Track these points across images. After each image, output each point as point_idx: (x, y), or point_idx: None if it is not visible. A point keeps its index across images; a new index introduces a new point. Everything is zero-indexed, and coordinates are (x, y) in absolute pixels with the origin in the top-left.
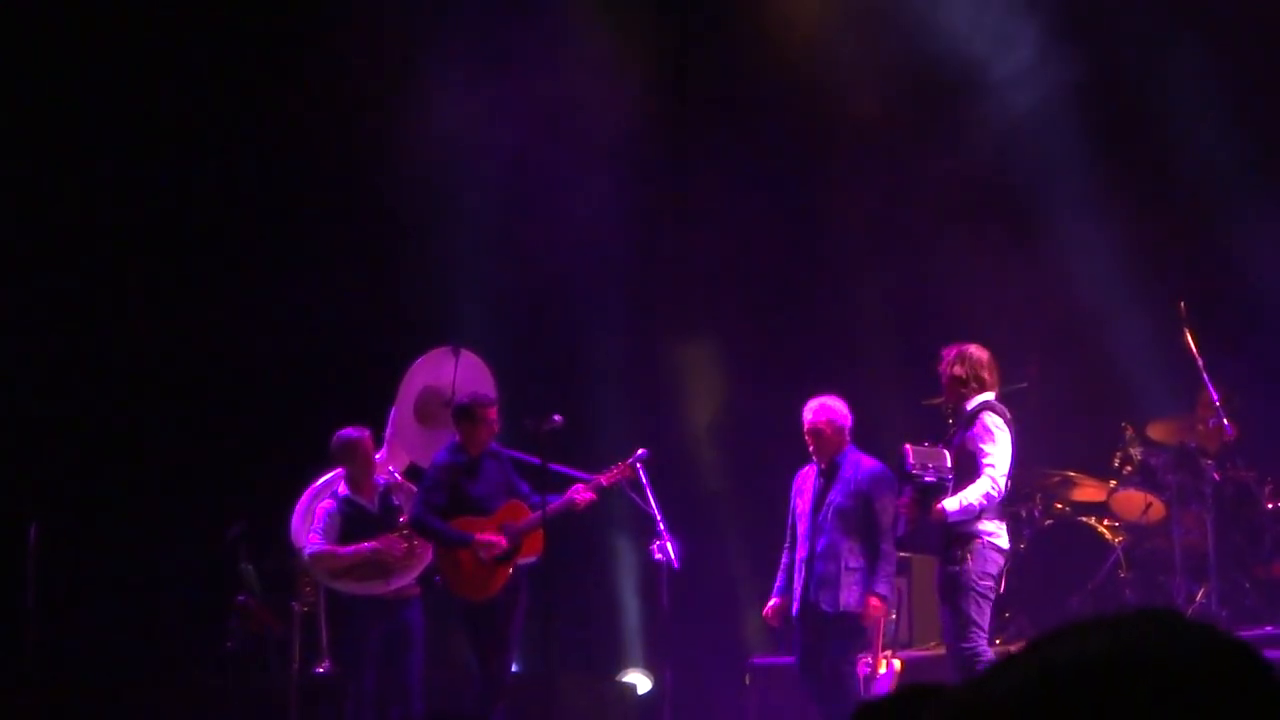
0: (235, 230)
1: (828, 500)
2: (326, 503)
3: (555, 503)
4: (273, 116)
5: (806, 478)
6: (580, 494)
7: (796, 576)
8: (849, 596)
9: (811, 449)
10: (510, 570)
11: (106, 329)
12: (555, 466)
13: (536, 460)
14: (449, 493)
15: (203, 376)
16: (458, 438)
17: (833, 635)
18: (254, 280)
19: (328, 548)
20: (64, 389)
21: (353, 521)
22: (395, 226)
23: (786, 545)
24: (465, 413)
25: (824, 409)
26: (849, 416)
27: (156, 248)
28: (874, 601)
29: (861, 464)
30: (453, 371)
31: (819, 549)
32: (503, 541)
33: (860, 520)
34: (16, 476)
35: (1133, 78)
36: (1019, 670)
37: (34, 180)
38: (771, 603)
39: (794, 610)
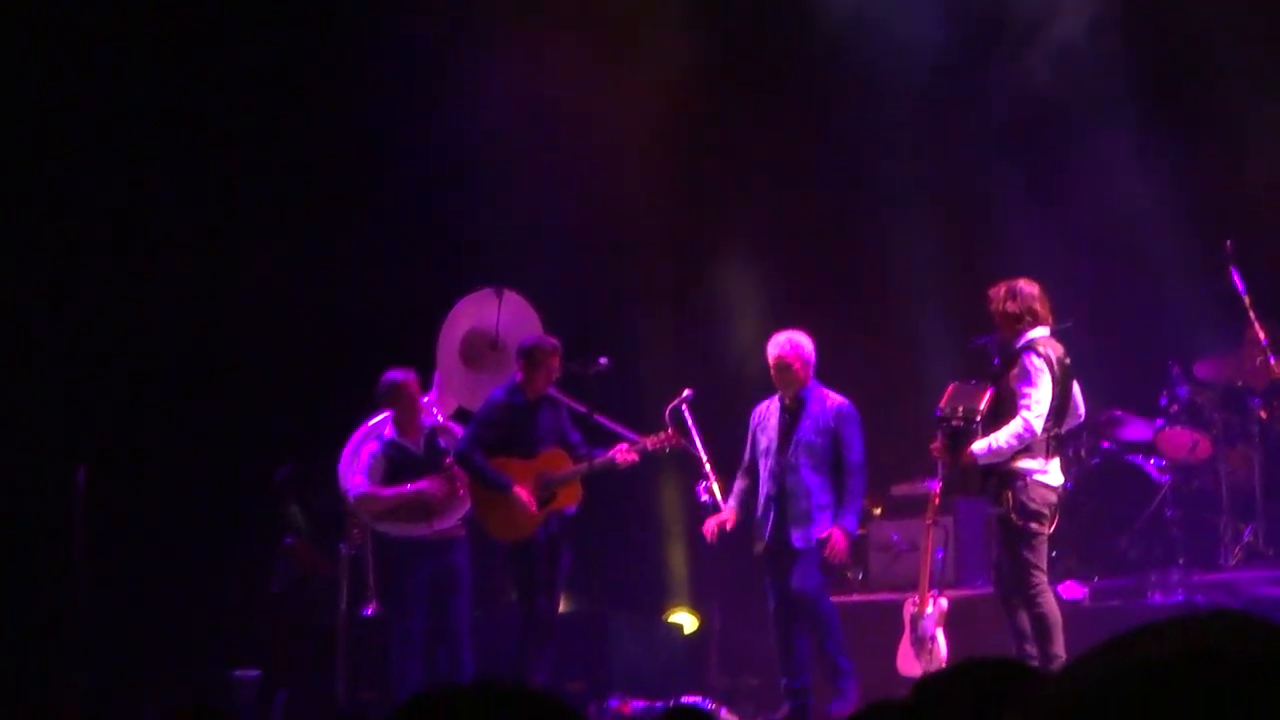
0: (283, 174)
1: (795, 437)
2: (372, 445)
3: (598, 459)
4: (323, 61)
5: (769, 413)
6: (623, 454)
7: (766, 514)
8: (820, 531)
9: (778, 383)
10: (544, 517)
11: (155, 271)
12: (610, 424)
13: (613, 424)
14: (498, 431)
15: (252, 318)
16: (517, 377)
17: (801, 564)
18: (302, 222)
19: (371, 489)
20: (112, 332)
21: (397, 464)
22: (440, 167)
23: (742, 471)
24: (528, 355)
25: (790, 342)
26: (814, 351)
27: (207, 190)
28: (838, 534)
29: (828, 400)
30: (496, 313)
31: (789, 487)
32: (534, 507)
33: (830, 456)
34: (65, 420)
35: (1183, 8)
36: (1096, 671)
37: (91, 123)
38: (716, 519)
39: (761, 548)
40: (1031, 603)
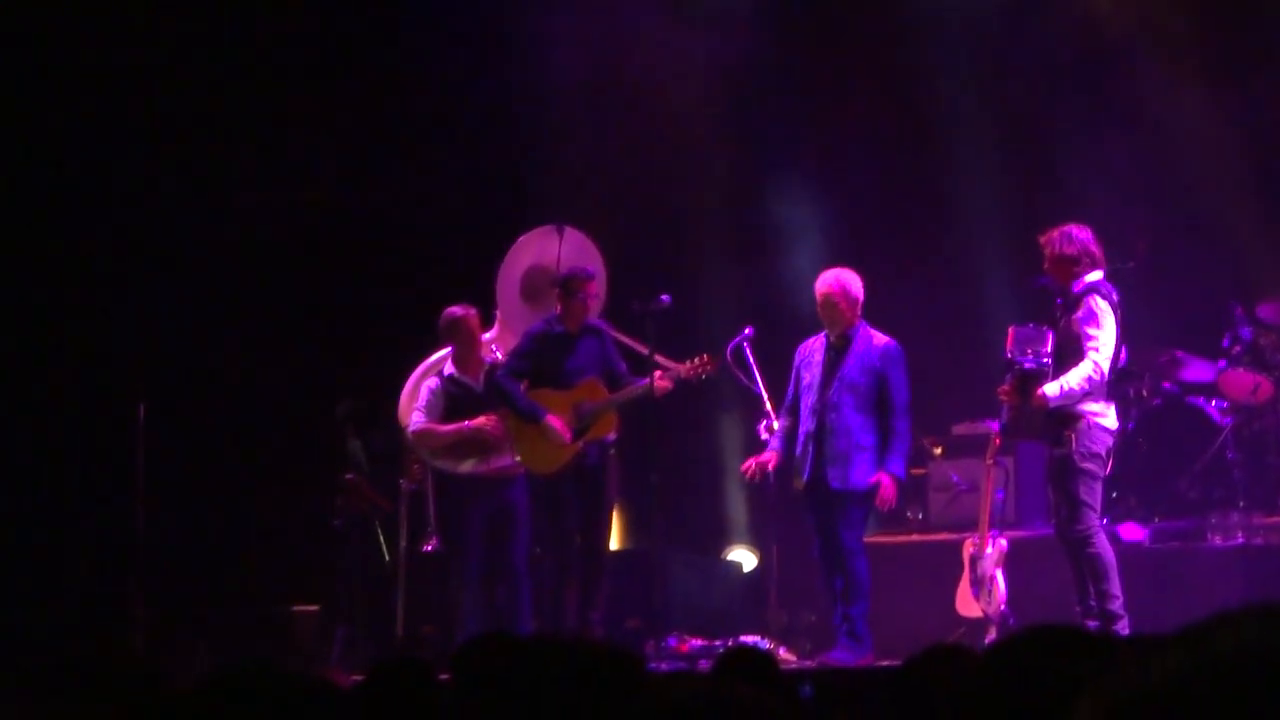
0: (347, 113)
1: (839, 375)
2: (432, 380)
3: (630, 388)
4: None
5: (814, 350)
6: (658, 380)
7: (805, 451)
8: (858, 474)
9: (824, 320)
10: (579, 449)
11: (214, 206)
12: (645, 352)
13: (642, 349)
14: (536, 362)
15: (312, 253)
16: (557, 308)
17: (838, 510)
18: (365, 157)
19: (429, 425)
20: (168, 267)
21: (456, 400)
22: (502, 107)
23: (786, 410)
24: (564, 284)
25: (838, 279)
26: (862, 289)
27: (274, 127)
28: (886, 479)
29: (874, 339)
30: (557, 249)
31: (830, 425)
32: (568, 435)
33: (873, 397)
34: (125, 357)
35: None
36: (1179, 661)
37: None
38: (756, 459)
39: (802, 484)
40: (1085, 543)
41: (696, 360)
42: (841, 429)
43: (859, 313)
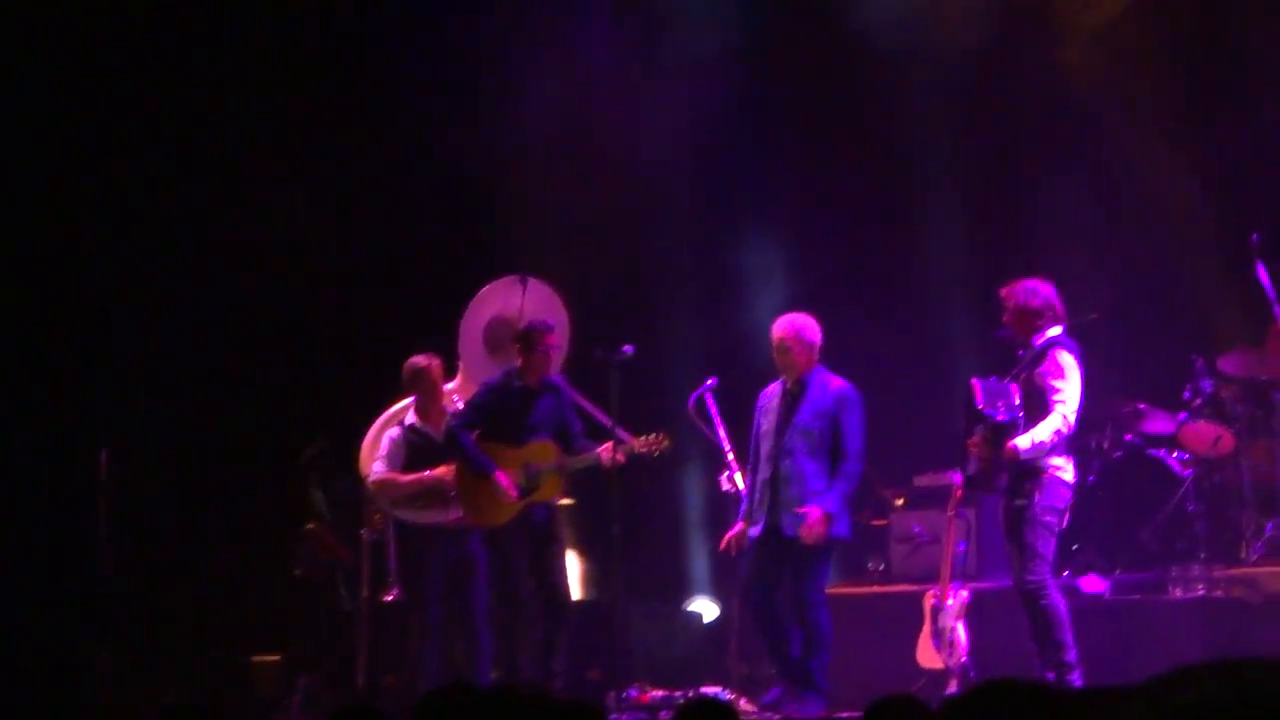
0: (313, 156)
1: (794, 421)
2: (394, 430)
3: (582, 456)
4: (360, 55)
5: (771, 396)
6: (607, 453)
7: (762, 499)
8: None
9: (779, 366)
10: (523, 507)
11: (179, 253)
12: (606, 421)
13: (603, 418)
14: (491, 414)
15: (275, 301)
16: (517, 361)
17: (796, 560)
18: (332, 204)
19: (389, 474)
20: (133, 313)
21: (418, 450)
22: (469, 157)
23: (749, 467)
24: (523, 338)
25: (792, 324)
26: (819, 334)
27: (234, 168)
28: (815, 512)
29: (830, 384)
30: (520, 300)
31: (784, 472)
32: (514, 494)
33: (827, 443)
34: (87, 402)
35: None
36: (1137, 714)
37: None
38: (734, 528)
39: (755, 531)
40: (1038, 595)
41: (652, 437)
42: (795, 475)
43: (815, 358)
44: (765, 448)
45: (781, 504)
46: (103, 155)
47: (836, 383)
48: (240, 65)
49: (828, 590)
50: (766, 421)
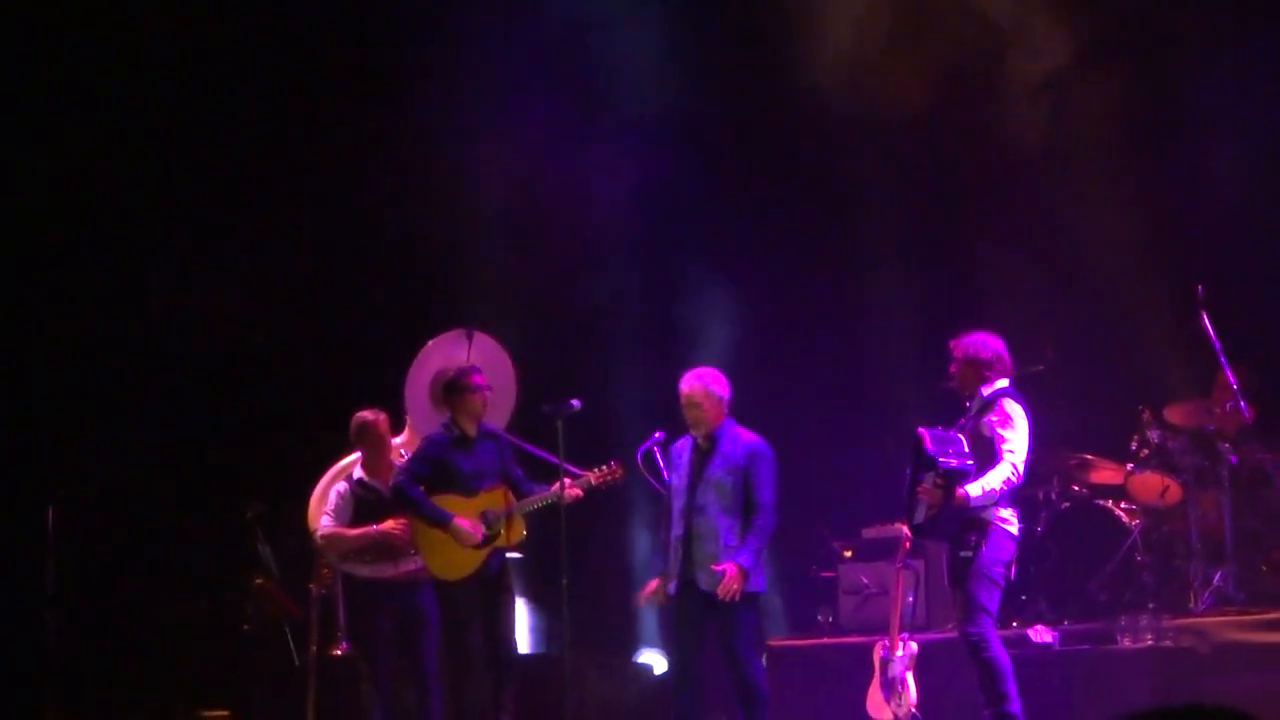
0: (258, 213)
1: (706, 476)
2: (341, 485)
3: (538, 495)
4: (297, 101)
5: (682, 452)
6: (567, 489)
7: (676, 556)
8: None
9: (689, 420)
10: (487, 556)
11: (125, 309)
12: (553, 460)
13: (542, 453)
14: (436, 467)
15: (220, 357)
16: (450, 415)
17: (721, 617)
18: (273, 260)
19: (336, 529)
20: (80, 370)
21: (365, 504)
22: (414, 213)
23: (663, 524)
24: (452, 388)
25: (700, 378)
26: (728, 388)
27: (177, 227)
28: (731, 569)
29: (740, 438)
30: (466, 353)
31: (697, 529)
32: (480, 534)
33: (740, 497)
34: (34, 459)
35: (1152, 51)
36: None
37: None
38: (651, 584)
39: (673, 589)
40: (981, 647)
41: (605, 468)
42: (709, 532)
43: (725, 411)
44: (677, 504)
45: (696, 561)
46: (43, 210)
47: (747, 436)
48: (193, 125)
49: (775, 642)
50: (677, 478)
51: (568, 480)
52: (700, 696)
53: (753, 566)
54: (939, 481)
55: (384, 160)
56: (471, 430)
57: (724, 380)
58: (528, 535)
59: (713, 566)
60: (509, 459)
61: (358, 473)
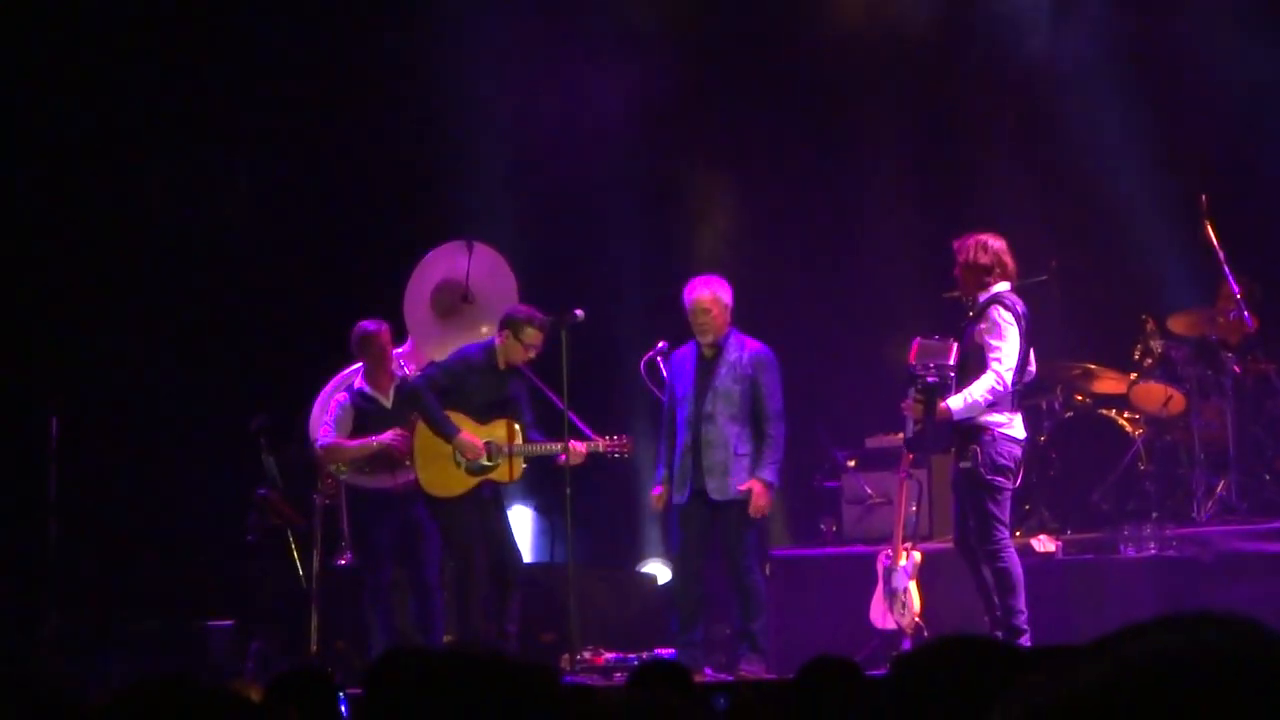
0: (260, 122)
1: (713, 385)
2: (341, 395)
3: (546, 444)
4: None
5: (685, 360)
6: (572, 451)
7: (684, 465)
8: (739, 483)
9: (695, 328)
10: (478, 483)
11: (126, 219)
12: (575, 420)
13: (558, 400)
14: (456, 383)
15: (224, 267)
16: (496, 340)
17: (726, 525)
18: (276, 170)
19: (336, 440)
20: (82, 280)
21: (365, 415)
22: (413, 119)
23: (664, 432)
24: (511, 323)
25: (708, 285)
26: (732, 295)
27: (178, 134)
28: (758, 486)
29: (746, 345)
30: (466, 264)
31: (707, 436)
32: (482, 451)
33: (748, 405)
34: (37, 369)
35: None
36: (1092, 669)
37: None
38: (655, 490)
39: (680, 498)
40: (995, 557)
41: (616, 439)
42: (719, 440)
43: (730, 319)
44: (683, 413)
45: (706, 469)
46: (47, 125)
47: (753, 344)
48: (197, 33)
49: (779, 552)
50: (681, 386)
51: (575, 443)
52: (703, 602)
53: (776, 480)
54: (918, 396)
55: (387, 71)
56: (503, 365)
57: (729, 288)
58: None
59: (737, 485)
60: (524, 401)
61: (359, 383)
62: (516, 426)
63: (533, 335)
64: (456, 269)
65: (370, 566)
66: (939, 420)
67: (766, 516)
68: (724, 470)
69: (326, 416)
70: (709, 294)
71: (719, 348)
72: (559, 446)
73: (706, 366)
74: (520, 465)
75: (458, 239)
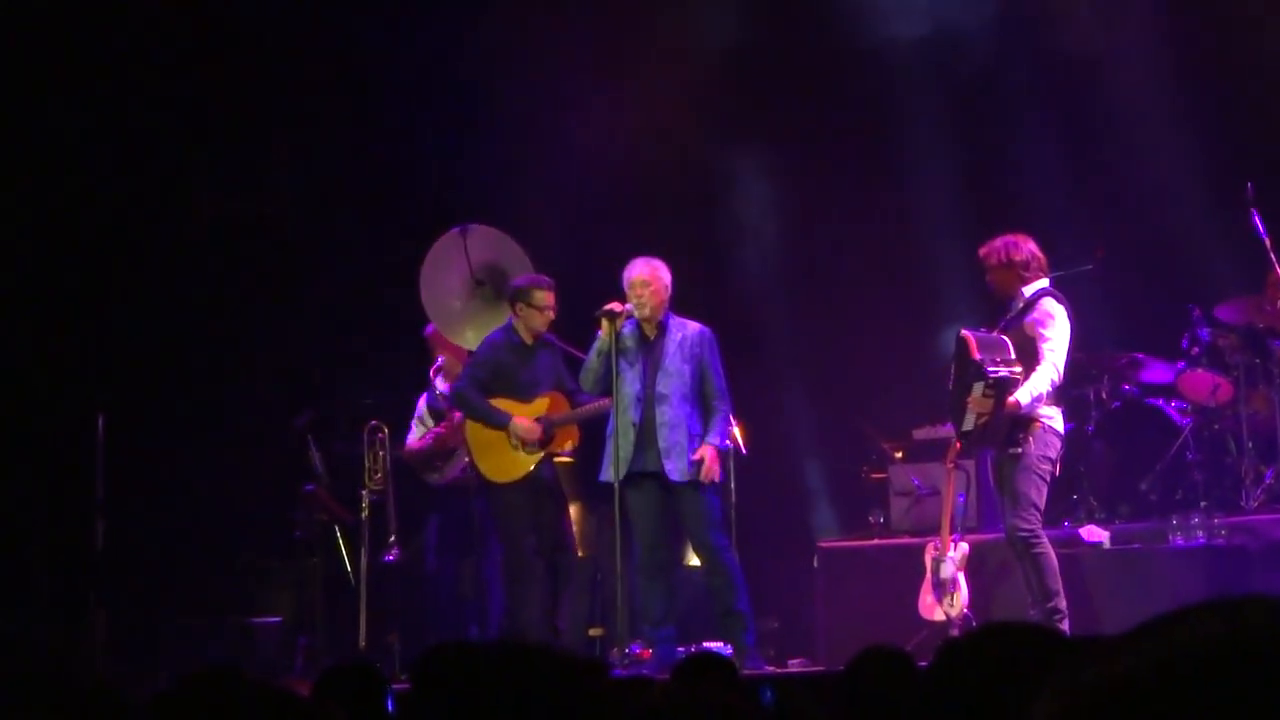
0: (305, 120)
1: (663, 364)
2: (422, 396)
3: (594, 405)
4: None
5: (630, 337)
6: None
7: (634, 443)
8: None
9: (635, 306)
10: (539, 459)
11: (175, 215)
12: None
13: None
14: (493, 371)
15: (272, 264)
16: (513, 318)
17: (686, 505)
18: (323, 168)
19: (407, 445)
20: (128, 278)
21: (439, 413)
22: (453, 125)
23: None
24: (520, 294)
25: (650, 265)
26: (671, 279)
27: (222, 133)
28: (710, 451)
29: (688, 325)
30: (464, 253)
31: (662, 417)
32: (538, 431)
33: (697, 384)
34: (84, 367)
35: None
36: (1139, 652)
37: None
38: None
39: (616, 477)
40: (1031, 543)
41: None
42: (675, 421)
43: (667, 300)
44: (631, 389)
45: (663, 451)
46: (94, 125)
47: (694, 325)
48: (239, 34)
49: (826, 544)
50: (625, 363)
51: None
52: (674, 593)
53: (725, 447)
54: (989, 391)
55: (434, 69)
56: (529, 339)
57: (669, 270)
58: (580, 442)
59: (689, 455)
60: (562, 368)
61: (435, 381)
62: (560, 397)
63: (542, 297)
64: (457, 261)
65: (422, 561)
66: (1006, 415)
67: (723, 492)
68: (681, 451)
69: (413, 419)
70: (648, 269)
71: (661, 327)
72: (606, 404)
73: (649, 346)
74: (575, 433)
75: (449, 231)
